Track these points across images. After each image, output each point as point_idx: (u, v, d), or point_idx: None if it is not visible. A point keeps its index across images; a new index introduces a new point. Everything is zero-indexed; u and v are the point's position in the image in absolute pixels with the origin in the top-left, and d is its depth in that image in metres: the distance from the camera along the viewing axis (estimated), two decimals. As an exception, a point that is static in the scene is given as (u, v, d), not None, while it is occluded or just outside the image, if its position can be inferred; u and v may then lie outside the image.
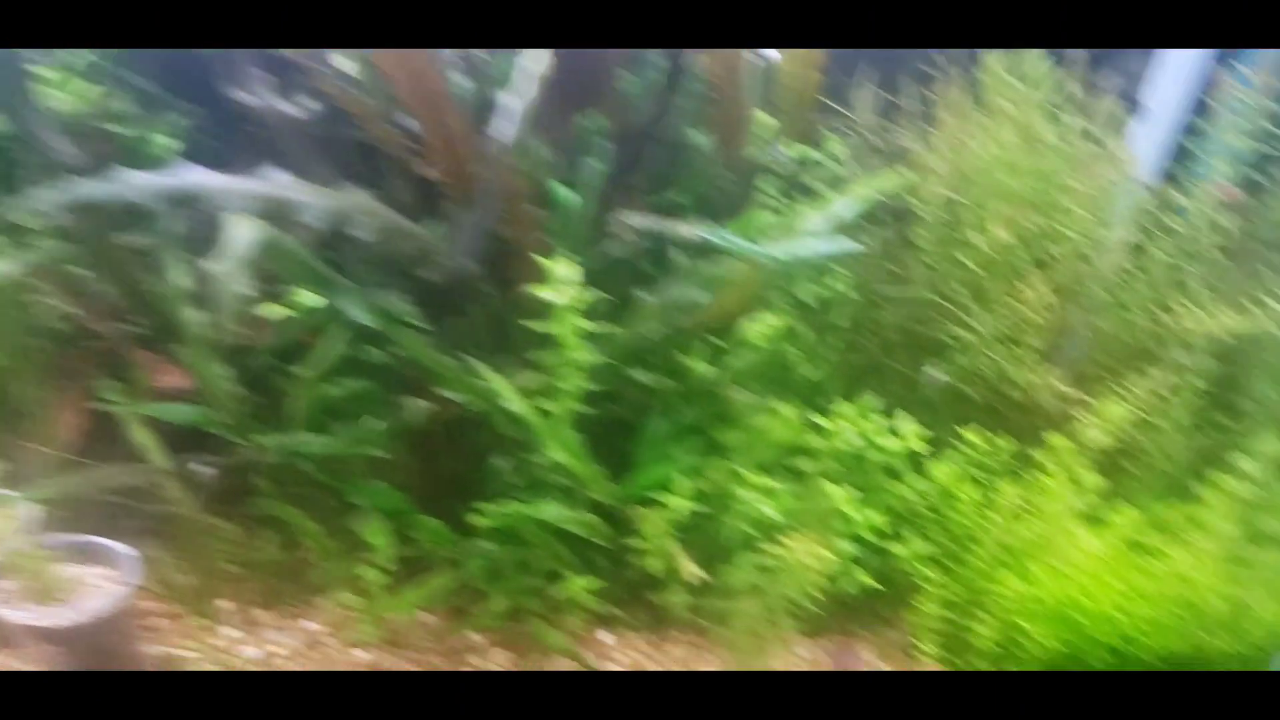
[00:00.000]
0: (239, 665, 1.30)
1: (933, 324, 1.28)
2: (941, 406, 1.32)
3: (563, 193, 1.24)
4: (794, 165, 1.52)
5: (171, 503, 1.28)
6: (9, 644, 1.19)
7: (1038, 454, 1.21)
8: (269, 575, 1.39)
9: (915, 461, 1.31)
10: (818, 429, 1.29)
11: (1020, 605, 1.15)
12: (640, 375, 1.24)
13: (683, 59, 1.32)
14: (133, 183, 1.09)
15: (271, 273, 1.25)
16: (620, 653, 1.40)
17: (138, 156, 1.37)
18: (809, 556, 1.27)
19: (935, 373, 1.27)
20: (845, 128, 1.50)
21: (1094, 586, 1.12)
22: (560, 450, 1.19)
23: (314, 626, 1.38)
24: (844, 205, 1.26)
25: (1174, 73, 1.40)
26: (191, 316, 1.25)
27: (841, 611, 1.44)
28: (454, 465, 1.35)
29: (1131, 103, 1.39)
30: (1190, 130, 1.36)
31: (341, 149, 1.31)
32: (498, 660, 1.37)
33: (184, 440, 1.29)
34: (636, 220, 1.27)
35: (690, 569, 1.29)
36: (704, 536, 1.35)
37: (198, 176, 1.10)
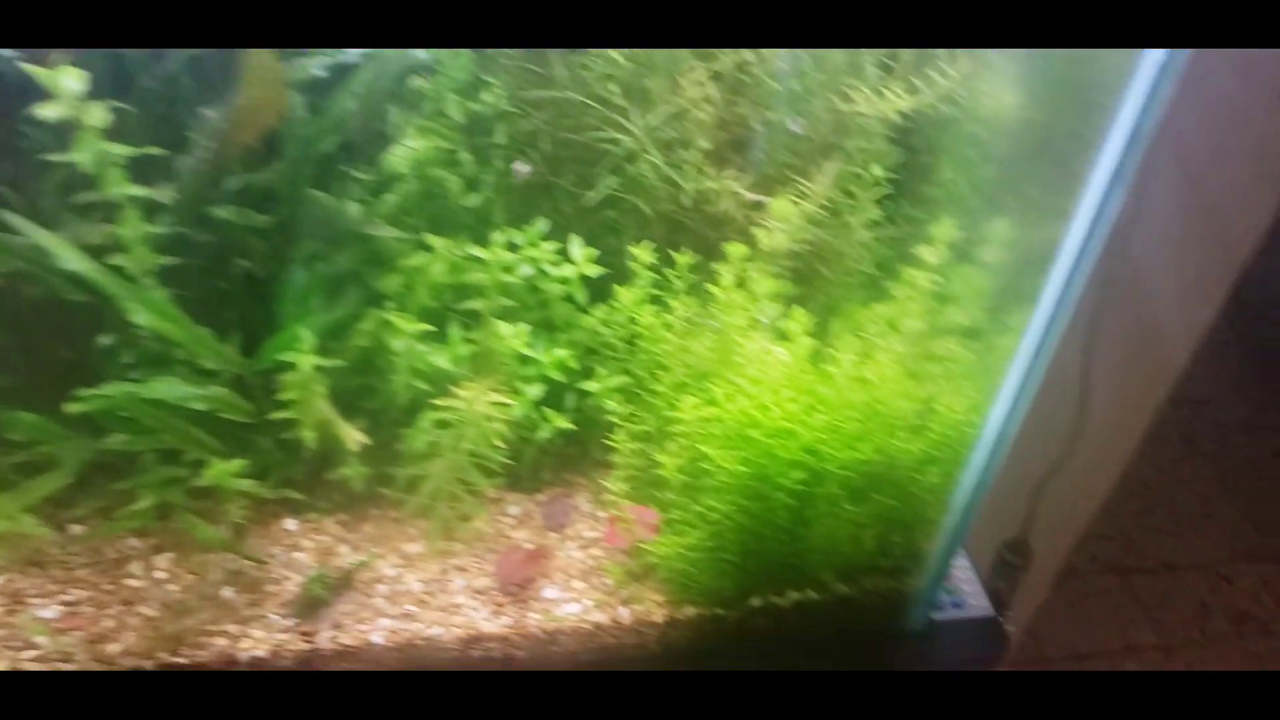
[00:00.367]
0: None
1: (591, 132, 1.13)
2: (619, 225, 1.19)
3: None
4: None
5: None
6: None
7: (719, 267, 1.10)
8: None
9: (601, 289, 1.19)
10: (484, 263, 1.14)
11: (701, 429, 1.06)
12: (229, 214, 1.04)
13: None
14: None
15: None
16: (307, 539, 1.26)
17: None
18: (488, 406, 1.14)
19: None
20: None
21: (774, 401, 1.04)
22: (147, 313, 0.99)
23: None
24: None
25: None
26: None
27: (553, 461, 1.34)
28: (59, 351, 1.13)
29: None
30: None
31: None
32: (161, 566, 1.21)
33: None
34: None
35: (352, 435, 1.14)
36: (374, 398, 1.20)
37: None
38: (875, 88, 1.11)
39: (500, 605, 1.20)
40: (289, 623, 1.16)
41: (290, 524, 1.27)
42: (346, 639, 1.16)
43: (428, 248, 1.14)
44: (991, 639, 1.32)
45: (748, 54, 1.12)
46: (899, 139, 1.15)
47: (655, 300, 1.17)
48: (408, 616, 1.18)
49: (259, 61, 0.97)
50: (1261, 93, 1.47)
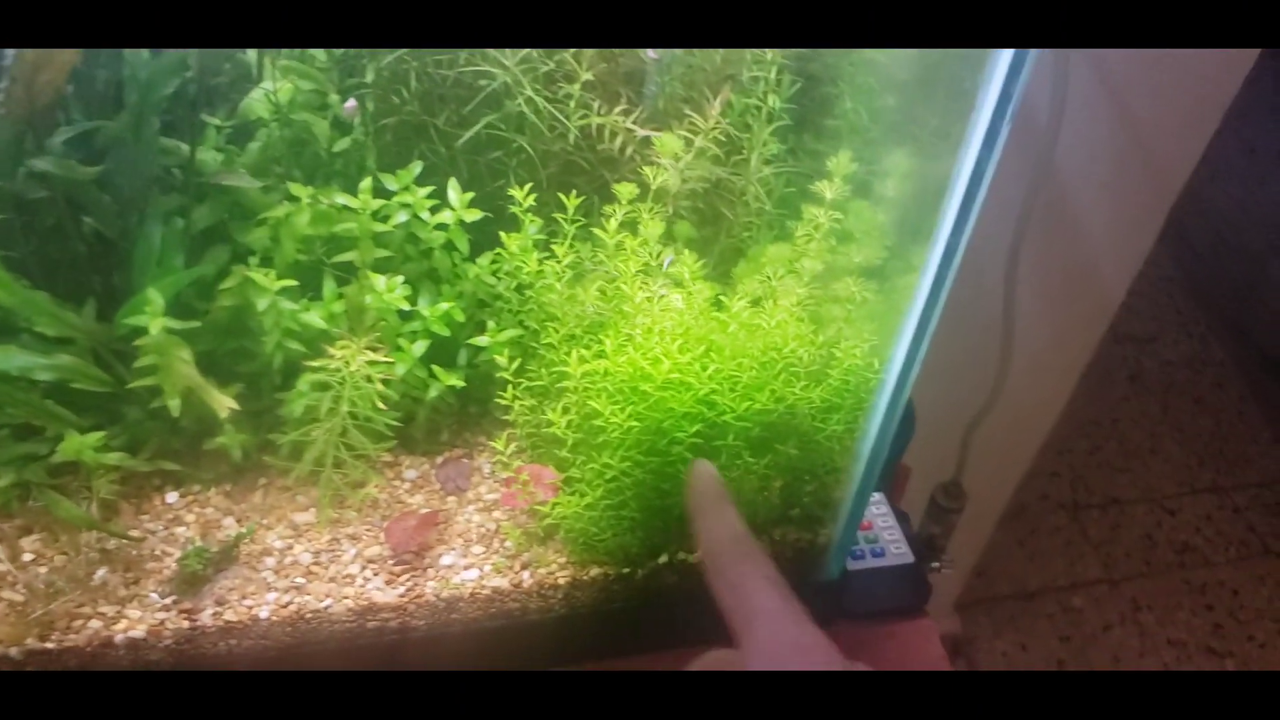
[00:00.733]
0: None
1: (462, 68, 1.05)
2: (505, 167, 1.11)
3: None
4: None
5: None
6: None
7: (608, 209, 1.03)
8: None
9: (493, 237, 1.12)
10: (354, 212, 1.06)
11: (590, 384, 1.00)
12: (49, 165, 0.95)
13: None
14: None
15: None
16: (189, 512, 1.19)
17: None
18: (366, 365, 1.07)
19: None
20: None
21: (665, 352, 0.98)
22: (-34, 279, 0.91)
23: None
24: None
25: None
26: None
27: (451, 422, 1.27)
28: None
29: None
30: None
31: None
32: (28, 548, 1.13)
33: None
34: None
35: (222, 401, 1.07)
36: (250, 361, 1.13)
37: None
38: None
39: (395, 574, 1.14)
40: (168, 600, 1.10)
41: (171, 497, 1.20)
42: (230, 615, 1.10)
43: (294, 198, 1.05)
44: (911, 586, 1.29)
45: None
46: (797, 66, 1.08)
47: (546, 246, 1.10)
48: (296, 589, 1.12)
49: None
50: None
